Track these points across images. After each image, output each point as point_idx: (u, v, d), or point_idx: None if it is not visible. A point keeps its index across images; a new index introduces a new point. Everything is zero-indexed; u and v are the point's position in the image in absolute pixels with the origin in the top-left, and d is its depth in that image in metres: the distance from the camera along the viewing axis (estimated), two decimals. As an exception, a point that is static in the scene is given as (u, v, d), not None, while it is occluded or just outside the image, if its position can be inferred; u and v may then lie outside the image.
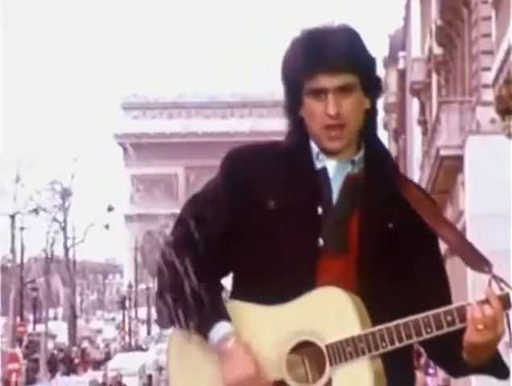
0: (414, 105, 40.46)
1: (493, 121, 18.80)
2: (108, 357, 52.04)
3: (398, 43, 48.67)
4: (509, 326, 2.38)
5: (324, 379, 2.37)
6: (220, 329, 2.40)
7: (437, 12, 28.81)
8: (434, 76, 32.46)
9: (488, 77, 16.99)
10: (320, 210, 2.46)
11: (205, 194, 2.54)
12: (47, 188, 54.08)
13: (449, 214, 26.06)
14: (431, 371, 27.70)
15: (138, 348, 57.46)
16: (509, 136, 15.76)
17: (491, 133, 19.37)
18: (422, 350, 2.52)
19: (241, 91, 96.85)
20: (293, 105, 2.51)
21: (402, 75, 46.39)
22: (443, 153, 24.01)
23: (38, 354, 47.61)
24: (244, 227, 2.47)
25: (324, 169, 2.48)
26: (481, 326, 2.33)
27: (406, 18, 45.41)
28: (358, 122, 2.48)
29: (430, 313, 2.35)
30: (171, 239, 2.52)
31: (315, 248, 2.44)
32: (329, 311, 2.38)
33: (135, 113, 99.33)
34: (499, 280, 2.37)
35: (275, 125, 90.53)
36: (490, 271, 2.39)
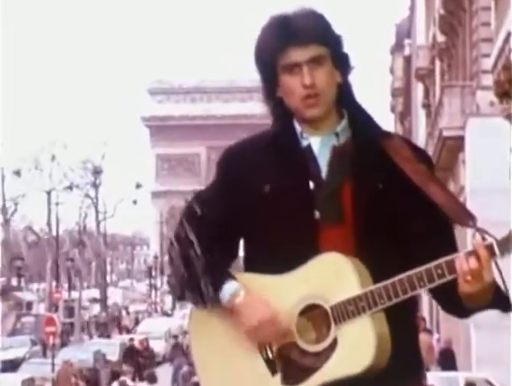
0: (418, 90, 40.27)
1: (491, 104, 18.74)
2: (137, 322, 52.24)
3: (404, 32, 48.40)
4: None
5: (331, 337, 2.35)
6: (228, 287, 2.40)
7: (440, 2, 28.64)
8: (437, 63, 32.31)
9: (487, 63, 16.92)
10: (311, 185, 2.43)
11: (207, 191, 2.56)
12: (80, 167, 54.21)
13: (451, 189, 26.00)
14: (435, 336, 27.70)
15: (164, 314, 57.69)
16: (507, 118, 15.71)
17: (490, 115, 19.30)
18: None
19: (258, 76, 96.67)
20: (270, 87, 2.48)
21: (407, 61, 46.18)
22: (445, 133, 23.96)
23: (72, 318, 47.88)
24: (246, 213, 2.46)
25: (309, 146, 2.46)
26: (469, 278, 2.31)
27: (412, 8, 45.15)
28: (332, 92, 2.45)
29: (422, 268, 2.33)
30: (181, 220, 2.52)
31: (313, 221, 2.42)
32: (331, 275, 2.36)
33: (160, 98, 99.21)
34: (483, 232, 2.35)
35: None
36: (475, 225, 2.37)
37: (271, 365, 2.40)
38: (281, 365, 2.40)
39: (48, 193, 50.37)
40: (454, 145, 23.38)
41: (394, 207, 2.42)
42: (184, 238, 2.48)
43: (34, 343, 37.71)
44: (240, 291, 2.40)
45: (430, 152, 28.35)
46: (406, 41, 46.95)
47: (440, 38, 29.91)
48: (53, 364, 28.33)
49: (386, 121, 62.08)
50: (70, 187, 52.44)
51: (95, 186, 55.15)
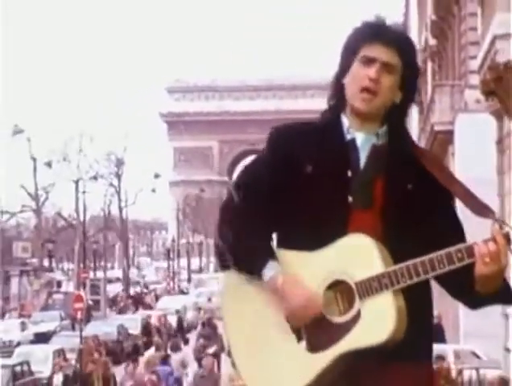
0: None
1: (478, 102, 18.69)
2: (156, 299, 52.31)
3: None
4: None
5: (354, 310, 2.36)
6: (269, 269, 2.41)
7: (432, 9, 28.55)
8: (429, 64, 32.23)
9: (474, 64, 16.88)
10: (349, 173, 2.47)
11: (255, 164, 2.58)
12: (105, 159, 54.16)
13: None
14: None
15: (181, 292, 57.70)
16: (493, 113, 15.67)
17: (477, 111, 19.26)
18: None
19: (266, 76, 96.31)
20: (341, 72, 2.52)
21: (401, 62, 46.00)
22: (436, 128, 23.92)
23: (98, 296, 47.96)
24: (287, 189, 2.48)
25: (353, 140, 2.50)
26: (487, 259, 2.34)
27: (406, 14, 45.01)
28: (388, 99, 2.49)
29: (442, 251, 2.35)
30: (228, 199, 2.54)
31: (346, 204, 2.46)
32: (357, 254, 2.38)
33: (177, 96, 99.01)
34: (502, 222, 2.41)
35: (294, 105, 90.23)
36: (494, 216, 2.44)
37: (298, 332, 2.40)
38: (306, 333, 2.39)
39: (76, 182, 50.37)
40: (444, 139, 23.34)
41: (418, 203, 2.47)
42: (233, 210, 2.49)
43: (63, 318, 37.83)
44: (279, 274, 2.40)
45: (422, 144, 28.28)
46: (401, 44, 46.79)
47: (432, 41, 29.84)
48: (81, 337, 28.39)
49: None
50: (95, 177, 52.41)
51: (118, 176, 55.14)
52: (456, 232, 2.50)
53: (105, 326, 33.24)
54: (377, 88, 2.46)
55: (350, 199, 2.46)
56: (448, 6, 25.64)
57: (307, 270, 2.42)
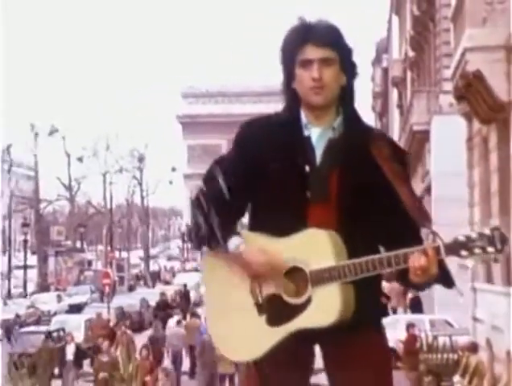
0: (394, 94, 40.10)
1: (451, 105, 18.67)
2: (173, 275, 52.35)
3: (382, 48, 48.12)
4: None
5: (306, 295, 2.33)
6: (233, 241, 2.37)
7: (411, 25, 28.49)
8: (408, 73, 32.16)
9: (448, 73, 16.86)
10: (307, 168, 2.37)
11: (223, 160, 2.51)
12: (128, 154, 54.18)
13: (419, 172, 25.95)
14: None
15: (195, 269, 57.75)
16: (463, 116, 15.67)
17: (450, 113, 19.23)
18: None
19: (267, 83, 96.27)
20: (288, 79, 2.41)
21: (385, 71, 45.93)
22: (415, 128, 23.91)
23: (123, 273, 48.00)
24: (251, 183, 2.40)
25: (309, 136, 2.40)
26: (418, 272, 2.28)
27: (389, 30, 44.87)
28: (335, 89, 2.39)
29: (385, 255, 2.30)
30: (202, 187, 2.49)
31: (305, 199, 2.36)
32: (314, 247, 2.32)
33: (191, 100, 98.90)
34: (435, 234, 2.30)
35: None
36: (430, 225, 2.34)
37: (260, 308, 2.38)
38: (267, 309, 2.37)
39: (104, 175, 50.42)
40: (422, 138, 23.33)
41: (370, 196, 2.36)
42: (204, 198, 2.43)
43: (93, 291, 37.86)
44: (242, 244, 2.37)
45: (402, 142, 28.26)
46: (384, 55, 46.70)
47: (411, 53, 29.78)
48: (108, 308, 28.46)
49: (368, 119, 61.80)
50: (120, 171, 52.45)
51: (140, 169, 55.14)
52: (406, 226, 2.36)
53: (129, 299, 33.29)
54: (323, 83, 2.36)
55: (308, 193, 2.36)
56: (424, 23, 25.61)
57: (269, 251, 2.37)
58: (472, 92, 13.14)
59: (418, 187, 26.72)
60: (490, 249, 2.25)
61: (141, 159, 54.80)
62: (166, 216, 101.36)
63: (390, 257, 2.29)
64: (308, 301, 2.32)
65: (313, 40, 2.37)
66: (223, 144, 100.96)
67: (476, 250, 2.26)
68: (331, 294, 2.31)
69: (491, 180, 14.05)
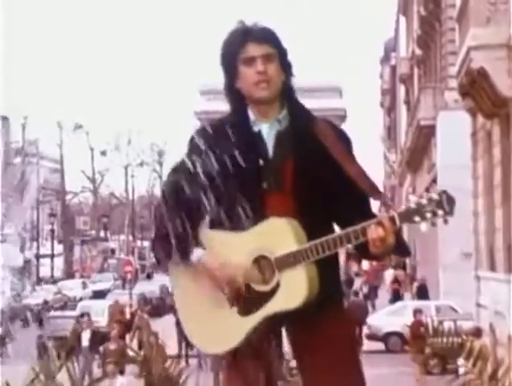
0: (401, 90, 39.94)
1: (456, 101, 18.60)
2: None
3: (391, 47, 47.91)
4: None
5: (274, 281, 2.33)
6: (196, 253, 2.38)
7: (417, 25, 28.36)
8: (415, 70, 32.02)
9: (453, 70, 16.79)
10: (261, 162, 2.38)
11: (177, 169, 2.48)
12: (149, 149, 54.37)
13: (426, 165, 25.87)
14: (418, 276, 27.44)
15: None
16: (468, 111, 15.61)
17: (455, 109, 19.16)
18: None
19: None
20: (231, 79, 2.41)
21: (393, 69, 45.76)
22: (422, 123, 23.82)
23: (144, 261, 48.19)
24: (211, 182, 2.39)
25: (260, 131, 2.41)
26: (377, 243, 2.29)
27: (396, 30, 44.66)
28: (278, 82, 2.40)
29: (342, 232, 2.32)
30: (161, 196, 2.45)
31: (262, 190, 2.37)
32: (276, 234, 2.33)
33: (208, 97, 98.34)
34: (388, 206, 2.33)
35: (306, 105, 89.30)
36: (381, 197, 2.35)
37: (230, 300, 2.37)
38: (237, 299, 2.36)
39: (126, 168, 50.63)
40: (428, 132, 23.25)
41: (322, 179, 2.37)
42: (164, 215, 2.40)
43: (116, 279, 38.08)
44: (203, 257, 2.37)
45: (409, 137, 28.18)
46: (392, 54, 46.52)
47: (418, 51, 29.64)
48: (130, 294, 28.61)
49: (377, 114, 61.56)
50: (141, 164, 52.60)
51: (160, 163, 55.29)
52: (359, 202, 2.37)
53: (150, 286, 33.46)
54: (268, 77, 2.38)
55: (265, 184, 2.37)
56: (431, 22, 25.49)
57: (233, 248, 2.37)
58: (476, 89, 13.10)
59: (424, 179, 26.61)
60: (440, 212, 2.27)
61: (161, 153, 54.95)
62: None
63: (349, 233, 2.30)
64: (277, 286, 2.33)
65: (254, 38, 2.39)
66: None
67: (428, 214, 2.27)
68: (297, 277, 2.32)
69: (494, 172, 14.02)
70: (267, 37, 2.41)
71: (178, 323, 22.37)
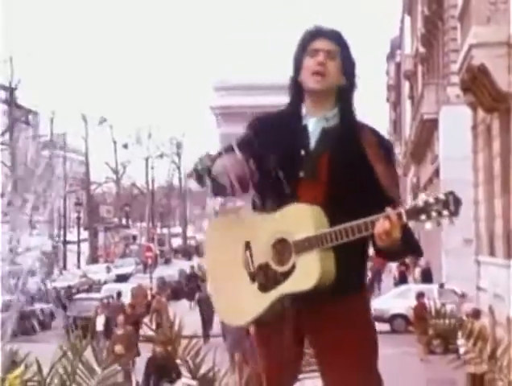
0: (406, 86, 39.73)
1: (458, 96, 18.48)
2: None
3: (396, 45, 47.63)
4: None
5: (291, 263, 2.35)
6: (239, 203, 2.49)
7: (421, 24, 28.18)
8: (419, 67, 31.84)
9: (455, 67, 16.68)
10: (302, 152, 2.43)
11: (241, 138, 2.55)
12: (168, 141, 54.44)
13: (429, 156, 25.76)
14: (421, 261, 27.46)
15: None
16: (469, 106, 15.51)
17: (457, 104, 19.06)
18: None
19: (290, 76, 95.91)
20: (296, 72, 2.47)
21: (398, 66, 45.49)
22: (425, 117, 23.71)
23: (163, 247, 48.35)
24: (257, 161, 2.44)
25: (306, 125, 2.46)
26: (383, 237, 2.29)
27: (401, 28, 44.40)
28: (334, 80, 2.44)
29: (355, 222, 2.32)
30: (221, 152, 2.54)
31: (298, 178, 2.41)
32: (296, 219, 2.36)
33: (222, 93, 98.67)
34: (398, 205, 2.32)
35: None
36: (396, 201, 2.34)
37: (252, 276, 2.40)
38: (258, 277, 2.39)
39: (146, 160, 50.74)
40: (431, 126, 23.14)
41: (354, 177, 2.40)
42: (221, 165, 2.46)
43: (137, 263, 38.25)
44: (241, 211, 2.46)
45: (413, 130, 28.04)
46: (398, 51, 46.24)
47: (421, 49, 29.47)
48: (151, 278, 28.75)
49: (383, 108, 61.34)
50: (161, 156, 52.71)
51: (178, 155, 55.37)
52: (381, 201, 2.36)
53: (168, 270, 33.62)
54: (325, 70, 2.41)
55: (301, 173, 2.41)
56: (434, 21, 25.33)
57: (262, 228, 2.41)
58: (477, 85, 13.02)
59: (427, 170, 26.49)
60: (445, 212, 2.25)
61: (179, 146, 55.03)
62: (201, 197, 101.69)
63: (360, 225, 2.32)
64: (293, 268, 2.34)
65: (322, 35, 2.47)
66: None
67: (433, 213, 2.26)
68: (312, 261, 2.33)
69: (494, 164, 13.95)
70: (335, 36, 2.47)
71: (198, 302, 22.38)
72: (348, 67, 2.46)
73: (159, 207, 54.82)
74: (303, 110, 2.48)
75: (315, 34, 2.47)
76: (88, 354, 3.34)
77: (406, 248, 2.37)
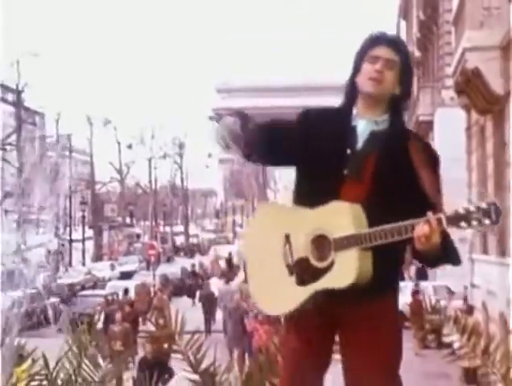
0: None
1: (452, 99, 18.50)
2: (209, 247, 52.60)
3: (392, 49, 47.63)
4: None
5: (329, 260, 2.34)
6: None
7: (417, 28, 28.17)
8: (415, 70, 31.81)
9: (449, 70, 16.69)
10: (348, 151, 2.42)
11: (286, 123, 2.56)
12: (171, 142, 54.40)
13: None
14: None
15: (227, 242, 57.91)
16: (463, 108, 15.52)
17: (451, 106, 19.07)
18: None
19: (290, 78, 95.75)
20: (354, 72, 2.47)
21: (394, 69, 45.46)
22: (420, 118, 23.74)
23: (166, 245, 48.31)
24: (302, 153, 2.45)
25: (355, 126, 2.45)
26: (422, 239, 2.27)
27: (397, 33, 44.37)
28: (389, 88, 2.43)
29: (396, 224, 2.30)
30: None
31: (342, 176, 2.40)
32: (337, 216, 2.34)
33: (224, 95, 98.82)
34: (439, 211, 2.31)
35: (311, 102, 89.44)
36: (437, 207, 2.33)
37: (290, 269, 2.39)
38: (296, 270, 2.38)
39: (149, 160, 50.69)
40: (426, 127, 23.15)
41: (397, 179, 2.39)
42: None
43: (141, 261, 38.22)
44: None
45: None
46: (393, 55, 46.20)
47: (417, 53, 29.48)
48: (154, 275, 28.73)
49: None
50: (164, 157, 52.66)
51: (180, 156, 55.32)
52: (422, 205, 2.35)
53: (171, 268, 33.58)
54: (382, 78, 2.40)
55: (346, 171, 2.40)
56: (429, 26, 25.33)
57: (302, 222, 2.39)
58: (470, 87, 13.02)
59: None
60: (486, 221, 2.25)
61: (181, 146, 54.98)
62: (202, 196, 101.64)
63: (400, 227, 2.30)
64: (331, 264, 2.33)
65: (385, 42, 2.44)
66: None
67: (474, 222, 2.25)
68: (350, 259, 2.31)
69: (487, 164, 13.95)
70: (397, 46, 2.44)
71: (201, 299, 22.44)
72: (405, 77, 2.44)
73: (162, 206, 54.78)
74: (354, 111, 2.47)
75: (377, 40, 2.44)
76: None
77: (445, 254, 2.34)
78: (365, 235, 2.31)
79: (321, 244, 2.35)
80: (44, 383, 3.53)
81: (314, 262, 2.36)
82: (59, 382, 3.52)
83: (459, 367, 11.08)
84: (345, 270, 2.31)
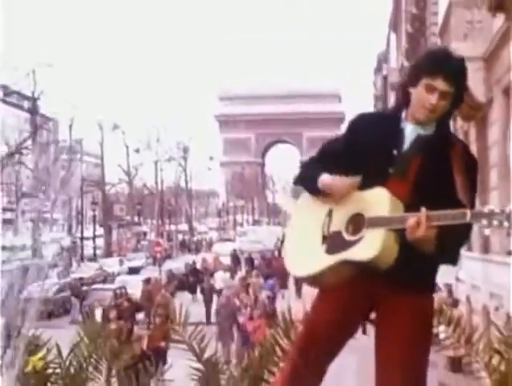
0: (392, 97, 39.74)
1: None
2: (211, 244, 52.59)
3: (383, 59, 47.65)
4: None
5: (360, 235, 2.38)
6: (321, 177, 2.48)
7: (405, 40, 28.21)
8: (402, 78, 31.82)
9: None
10: (394, 152, 2.44)
11: (335, 140, 2.59)
12: (175, 146, 54.37)
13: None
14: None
15: (228, 240, 57.91)
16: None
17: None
18: None
19: (289, 87, 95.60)
20: (409, 84, 2.45)
21: (385, 78, 45.50)
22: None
23: (171, 242, 48.27)
24: (352, 157, 2.48)
25: (403, 128, 2.47)
26: (409, 230, 2.31)
27: (388, 44, 44.43)
28: (440, 113, 2.43)
29: (422, 212, 2.31)
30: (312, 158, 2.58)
31: (387, 174, 2.42)
32: (376, 200, 2.39)
33: (226, 102, 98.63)
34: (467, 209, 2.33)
35: (308, 108, 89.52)
36: (472, 208, 2.34)
37: (324, 238, 2.44)
38: (328, 240, 2.43)
39: (155, 163, 50.68)
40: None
41: (438, 182, 2.40)
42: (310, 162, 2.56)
43: (148, 257, 38.20)
44: (325, 176, 2.46)
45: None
46: (384, 65, 46.23)
47: (406, 63, 29.51)
48: (160, 271, 28.72)
49: (370, 117, 61.14)
50: (169, 160, 52.63)
51: (185, 159, 55.30)
52: (454, 206, 2.36)
53: (176, 264, 33.54)
54: (434, 109, 2.41)
55: (391, 170, 2.42)
56: (416, 38, 25.41)
57: (346, 201, 2.45)
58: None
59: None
60: (506, 224, 2.28)
61: (185, 150, 54.96)
62: (205, 197, 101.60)
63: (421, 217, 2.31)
64: (359, 239, 2.36)
65: (445, 74, 2.39)
66: (252, 137, 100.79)
67: (495, 222, 2.27)
68: (376, 236, 2.34)
69: (471, 167, 13.95)
70: (456, 77, 2.40)
71: (202, 291, 22.42)
72: (456, 101, 2.43)
73: (168, 205, 54.77)
74: (403, 115, 2.47)
75: (437, 68, 2.38)
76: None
77: (440, 252, 2.34)
78: (395, 217, 2.34)
79: (357, 221, 2.39)
80: (58, 370, 3.54)
81: (345, 235, 2.40)
82: (72, 370, 3.53)
83: (444, 357, 11.08)
84: (370, 244, 2.33)
